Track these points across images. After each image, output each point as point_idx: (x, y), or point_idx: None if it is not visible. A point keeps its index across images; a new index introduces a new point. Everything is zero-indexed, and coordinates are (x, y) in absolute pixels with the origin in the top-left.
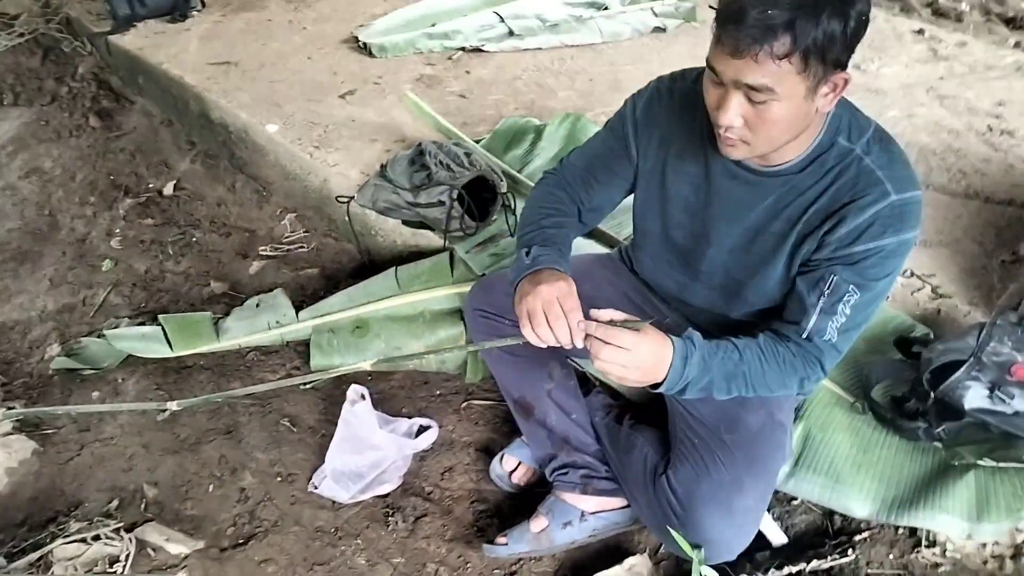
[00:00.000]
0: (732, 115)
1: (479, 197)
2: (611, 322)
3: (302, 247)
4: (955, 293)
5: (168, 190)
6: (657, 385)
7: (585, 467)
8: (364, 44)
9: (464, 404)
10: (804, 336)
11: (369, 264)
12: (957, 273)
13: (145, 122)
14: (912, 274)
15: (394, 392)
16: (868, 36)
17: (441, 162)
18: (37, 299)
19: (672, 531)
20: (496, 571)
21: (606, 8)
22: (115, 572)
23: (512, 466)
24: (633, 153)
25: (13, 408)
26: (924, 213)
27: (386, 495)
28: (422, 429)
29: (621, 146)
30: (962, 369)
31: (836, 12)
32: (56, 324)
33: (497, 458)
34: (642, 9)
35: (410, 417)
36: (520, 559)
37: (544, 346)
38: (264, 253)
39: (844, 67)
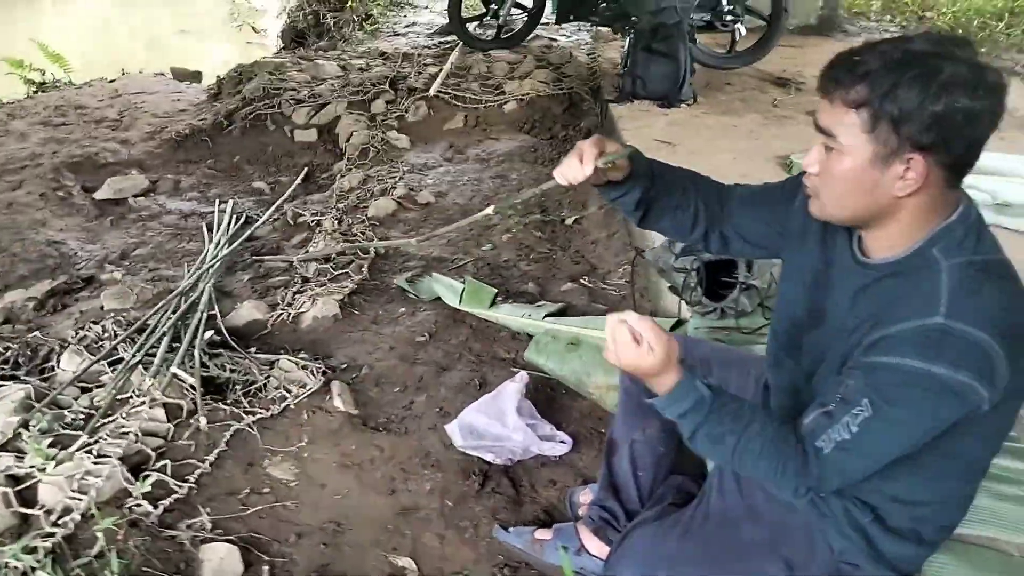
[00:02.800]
0: (811, 157)
1: (732, 284)
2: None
3: (613, 292)
4: None
5: (569, 221)
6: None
7: (611, 514)
8: (790, 164)
9: None
10: (801, 431)
11: None
12: None
13: None
14: None
15: (576, 409)
16: None
17: None
18: (435, 247)
19: (561, 549)
20: (497, 560)
21: None
22: (293, 392)
23: (587, 499)
24: (795, 205)
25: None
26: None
27: (488, 463)
28: (562, 443)
29: (792, 192)
30: None
31: (919, 81)
32: (427, 264)
33: (580, 487)
34: None
35: (560, 429)
36: (517, 564)
37: (565, 183)
38: (583, 283)
39: (926, 151)
